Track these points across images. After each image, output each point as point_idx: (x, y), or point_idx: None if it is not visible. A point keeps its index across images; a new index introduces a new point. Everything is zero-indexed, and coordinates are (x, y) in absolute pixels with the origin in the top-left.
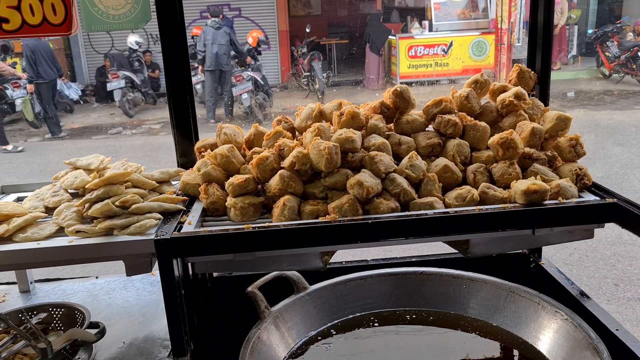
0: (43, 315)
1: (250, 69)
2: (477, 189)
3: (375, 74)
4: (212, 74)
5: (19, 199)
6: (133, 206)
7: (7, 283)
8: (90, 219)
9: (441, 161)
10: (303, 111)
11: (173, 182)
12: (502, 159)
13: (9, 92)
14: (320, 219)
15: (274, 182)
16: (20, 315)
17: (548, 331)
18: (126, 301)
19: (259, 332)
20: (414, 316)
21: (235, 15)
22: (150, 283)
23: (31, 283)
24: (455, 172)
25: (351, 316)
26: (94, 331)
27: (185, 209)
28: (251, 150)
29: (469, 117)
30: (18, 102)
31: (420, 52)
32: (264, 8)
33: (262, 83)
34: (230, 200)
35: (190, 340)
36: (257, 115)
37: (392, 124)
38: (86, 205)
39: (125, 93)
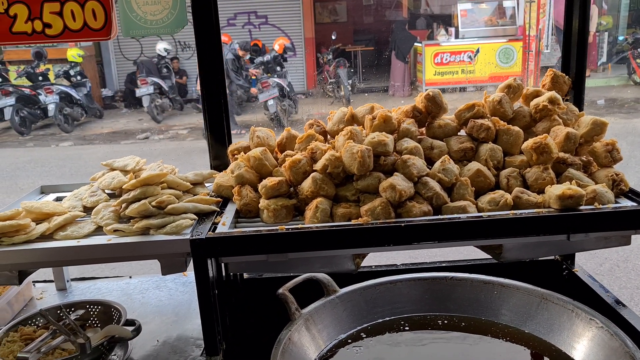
0: (81, 312)
1: (276, 76)
2: (510, 193)
3: (400, 81)
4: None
5: (58, 199)
6: (169, 206)
7: (45, 281)
8: (127, 218)
9: (474, 165)
10: (335, 115)
11: (206, 184)
12: (536, 163)
13: (41, 97)
14: (353, 222)
15: (307, 185)
16: (58, 312)
17: (582, 339)
18: (159, 301)
19: (290, 334)
20: (445, 321)
21: (262, 22)
22: (182, 283)
23: (67, 281)
24: (488, 177)
25: (381, 320)
26: (130, 328)
27: (219, 210)
28: (284, 153)
29: (502, 122)
30: (51, 107)
31: (446, 59)
32: (290, 15)
33: (288, 90)
34: (263, 202)
35: (223, 340)
36: (282, 121)
37: (423, 128)
38: (123, 205)
39: (154, 99)
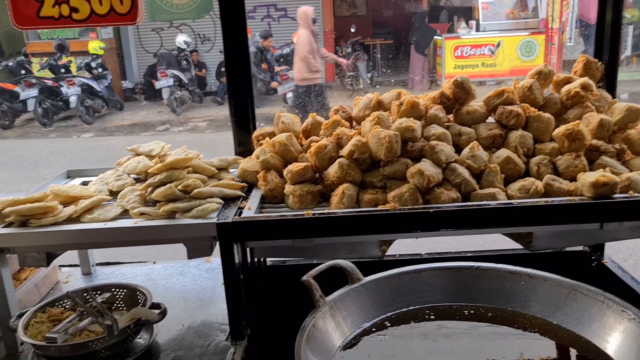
0: (107, 295)
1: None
2: (540, 181)
3: (419, 75)
4: None
5: (84, 183)
6: (195, 190)
7: (70, 265)
8: (152, 202)
9: (503, 152)
10: (361, 101)
11: (231, 170)
12: (567, 151)
13: (63, 89)
14: (380, 207)
15: (333, 170)
16: (85, 294)
17: (614, 332)
18: (183, 286)
19: (315, 321)
20: (471, 311)
21: (281, 15)
22: (205, 270)
23: (92, 266)
24: (518, 164)
25: (405, 309)
26: (156, 311)
27: (244, 195)
28: (309, 139)
29: (532, 108)
30: (72, 98)
31: (466, 53)
32: None
33: None
34: (288, 188)
35: (247, 325)
36: (300, 114)
37: (451, 115)
38: (149, 189)
39: (173, 91)
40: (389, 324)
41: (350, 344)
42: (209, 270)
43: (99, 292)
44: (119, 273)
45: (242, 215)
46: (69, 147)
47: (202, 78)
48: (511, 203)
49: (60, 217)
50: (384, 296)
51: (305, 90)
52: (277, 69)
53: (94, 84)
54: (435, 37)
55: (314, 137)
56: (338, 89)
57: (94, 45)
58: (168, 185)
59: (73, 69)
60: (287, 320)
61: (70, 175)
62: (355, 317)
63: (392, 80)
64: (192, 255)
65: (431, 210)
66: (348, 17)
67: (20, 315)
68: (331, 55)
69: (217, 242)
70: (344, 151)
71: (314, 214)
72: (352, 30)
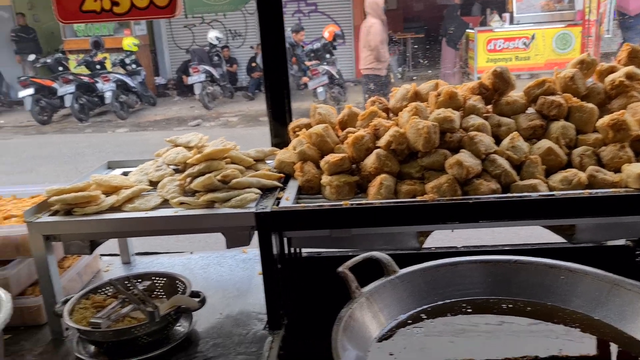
0: (147, 283)
1: (325, 63)
2: (583, 172)
3: (451, 69)
4: None
5: (125, 174)
6: (233, 181)
7: (111, 254)
8: (191, 192)
9: (544, 143)
10: (398, 92)
11: (267, 161)
12: (612, 141)
13: (99, 85)
14: (418, 198)
15: (370, 161)
16: (126, 282)
17: None
18: (220, 276)
19: (351, 312)
20: (509, 305)
21: (312, 10)
22: (242, 260)
23: (132, 255)
24: (560, 155)
25: (441, 302)
26: (195, 299)
27: (281, 185)
28: (345, 130)
29: (574, 99)
30: (107, 94)
31: (499, 46)
32: (339, 3)
33: (337, 77)
34: (325, 179)
35: (285, 315)
36: (291, 109)
37: (490, 106)
38: (188, 179)
39: (205, 87)
40: (425, 317)
41: (386, 336)
42: (245, 260)
43: (139, 280)
44: (157, 262)
45: (280, 206)
46: (105, 141)
47: (233, 73)
48: (553, 195)
49: (103, 206)
50: (419, 288)
51: (371, 79)
52: (307, 63)
53: (128, 80)
54: (468, 30)
55: (350, 129)
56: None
57: (128, 42)
58: (207, 176)
59: (108, 65)
60: (322, 310)
61: (111, 166)
62: (391, 308)
63: (425, 74)
64: (230, 244)
65: (471, 201)
66: None
67: (65, 302)
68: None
69: (255, 232)
70: (382, 142)
71: (351, 205)
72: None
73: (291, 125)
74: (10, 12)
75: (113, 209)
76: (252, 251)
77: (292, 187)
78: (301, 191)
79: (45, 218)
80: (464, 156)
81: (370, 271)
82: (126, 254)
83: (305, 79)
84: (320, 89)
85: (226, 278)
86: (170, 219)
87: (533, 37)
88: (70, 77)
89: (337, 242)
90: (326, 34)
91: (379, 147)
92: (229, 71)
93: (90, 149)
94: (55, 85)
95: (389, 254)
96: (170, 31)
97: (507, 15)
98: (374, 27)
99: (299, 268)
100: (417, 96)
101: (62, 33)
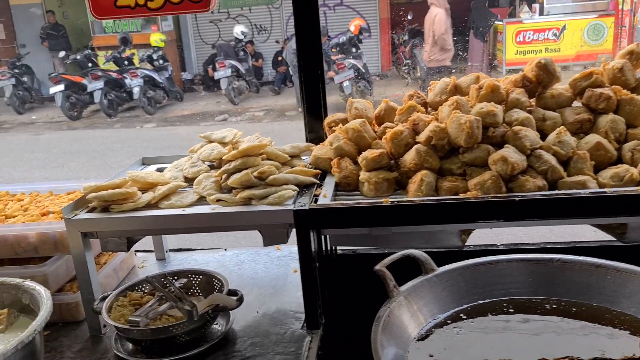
0: (183, 280)
1: (351, 57)
2: (635, 168)
3: (479, 61)
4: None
5: (159, 170)
6: (270, 177)
7: (145, 251)
8: (228, 188)
9: (593, 138)
10: (436, 85)
11: (302, 157)
12: None
13: (127, 81)
14: (461, 195)
15: (410, 157)
16: (163, 279)
17: None
18: (255, 273)
19: (389, 311)
20: (553, 306)
21: (337, 4)
22: (276, 257)
23: (166, 252)
24: (609, 150)
25: (481, 302)
26: (233, 298)
27: (318, 182)
28: (383, 125)
29: (624, 91)
30: (135, 90)
31: (529, 38)
32: None
33: (364, 71)
34: (363, 175)
35: (322, 314)
36: (327, 103)
37: (533, 99)
38: (223, 175)
39: (231, 81)
40: (464, 317)
41: (425, 335)
42: (280, 257)
43: (176, 277)
44: (191, 259)
45: (318, 203)
46: (133, 136)
47: (258, 68)
48: (605, 192)
49: (139, 203)
50: (458, 287)
51: (434, 72)
52: (333, 57)
53: (155, 76)
54: (496, 22)
55: (388, 123)
56: (394, 77)
57: (156, 38)
58: (244, 172)
59: (136, 61)
60: (359, 309)
61: (145, 162)
62: (429, 308)
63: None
64: (267, 242)
65: (517, 199)
66: (404, 4)
67: (103, 299)
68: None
69: (292, 230)
70: (421, 137)
71: (392, 202)
72: (410, 17)
73: (327, 121)
74: (41, 9)
75: (149, 205)
76: (287, 248)
77: (329, 184)
78: (338, 188)
79: (83, 215)
80: (509, 152)
81: (406, 269)
82: (161, 250)
83: (331, 73)
84: (346, 83)
85: (261, 275)
86: (207, 216)
87: (564, 28)
88: (99, 73)
89: (376, 241)
90: (352, 28)
91: (418, 143)
92: (255, 66)
93: (119, 144)
94: (84, 81)
95: (426, 252)
96: (196, 26)
97: (536, 6)
98: (438, 17)
99: (334, 266)
100: (456, 90)
101: (91, 30)
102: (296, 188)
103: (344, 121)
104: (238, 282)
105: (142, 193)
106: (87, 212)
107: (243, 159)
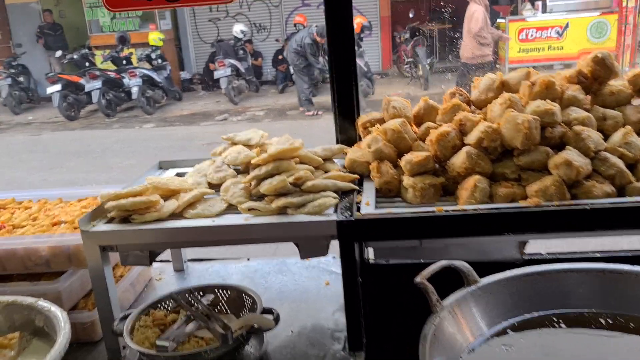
0: (211, 296)
1: None
2: None
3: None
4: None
5: (179, 175)
6: (308, 184)
7: (162, 261)
8: (258, 196)
9: None
10: (481, 82)
11: (335, 160)
12: None
13: (125, 80)
14: (521, 203)
15: (459, 161)
16: (188, 296)
17: None
18: (284, 285)
19: (435, 328)
20: (608, 320)
21: None
22: (305, 268)
23: (185, 262)
24: None
25: (529, 316)
26: (269, 317)
27: (357, 188)
28: (423, 126)
29: None
30: (134, 90)
31: (531, 35)
32: None
33: (365, 69)
34: (408, 180)
35: (365, 333)
36: (360, 102)
37: (588, 96)
38: (253, 182)
39: (231, 81)
40: (512, 332)
41: (473, 352)
42: (309, 268)
43: (202, 293)
44: (212, 270)
45: (362, 212)
46: (133, 137)
47: (258, 67)
48: None
49: (163, 213)
50: (504, 300)
51: (474, 69)
52: None
53: (154, 75)
54: (499, 20)
55: (429, 124)
56: (394, 76)
57: (154, 37)
58: (281, 178)
59: (134, 60)
60: (399, 324)
61: (163, 166)
62: (475, 323)
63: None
64: (305, 255)
65: (588, 207)
66: (405, 2)
67: (124, 318)
68: (496, 32)
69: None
70: (471, 138)
71: (446, 211)
72: (411, 15)
73: (361, 121)
74: (38, 7)
75: (174, 215)
76: (315, 258)
77: (369, 190)
78: (378, 193)
79: (102, 226)
80: (572, 154)
81: (446, 279)
82: (179, 260)
83: None
84: None
85: (291, 288)
86: (240, 227)
87: (567, 26)
88: (97, 72)
89: (427, 253)
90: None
91: (467, 145)
92: (254, 65)
93: (118, 144)
94: (82, 81)
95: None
96: (194, 25)
97: (539, 4)
98: (477, 13)
99: (369, 277)
100: (503, 86)
101: (88, 29)
102: (336, 195)
103: (380, 121)
104: (267, 296)
105: (165, 201)
106: (105, 223)
107: (275, 164)
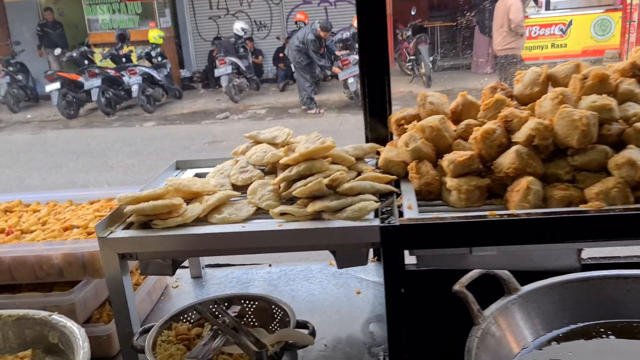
0: (237, 307)
1: (355, 53)
2: None
3: (485, 57)
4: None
5: (198, 175)
6: (345, 185)
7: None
8: (288, 198)
9: None
10: (525, 76)
11: (366, 159)
12: None
13: (125, 78)
14: (582, 207)
15: (507, 161)
16: (213, 307)
17: None
18: (311, 294)
19: (478, 341)
20: None
21: None
22: (332, 274)
23: (202, 268)
24: None
25: (573, 326)
26: (304, 331)
27: (397, 191)
28: (464, 123)
29: None
30: (134, 88)
31: (535, 33)
32: None
33: None
34: (451, 182)
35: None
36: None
37: None
38: (282, 183)
39: (232, 79)
40: (557, 343)
41: None
42: (336, 275)
43: (227, 304)
44: (232, 277)
45: (405, 216)
46: (133, 135)
47: (258, 65)
48: None
49: (188, 218)
50: (546, 310)
51: (508, 60)
52: (338, 53)
53: (154, 73)
54: None
55: (470, 121)
56: (396, 74)
57: (154, 34)
58: (316, 179)
59: (134, 58)
60: (439, 335)
61: (180, 166)
62: (518, 334)
63: (453, 64)
64: (342, 264)
65: None
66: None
67: (144, 332)
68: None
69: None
70: (521, 136)
71: (501, 216)
72: (413, 12)
73: (395, 117)
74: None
75: (197, 220)
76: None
77: (408, 192)
78: (417, 196)
79: (121, 233)
80: (635, 154)
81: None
82: (196, 266)
83: (335, 69)
84: (351, 80)
85: (319, 297)
86: (274, 234)
87: (570, 24)
88: (96, 70)
89: (475, 261)
90: (355, 23)
91: (516, 143)
92: (255, 63)
93: (119, 143)
94: (81, 79)
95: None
96: (194, 23)
97: (543, 1)
98: (514, 5)
99: (407, 285)
100: (550, 80)
101: (87, 26)
102: (376, 199)
103: (415, 118)
104: (295, 306)
105: (187, 204)
106: (124, 229)
107: (307, 164)
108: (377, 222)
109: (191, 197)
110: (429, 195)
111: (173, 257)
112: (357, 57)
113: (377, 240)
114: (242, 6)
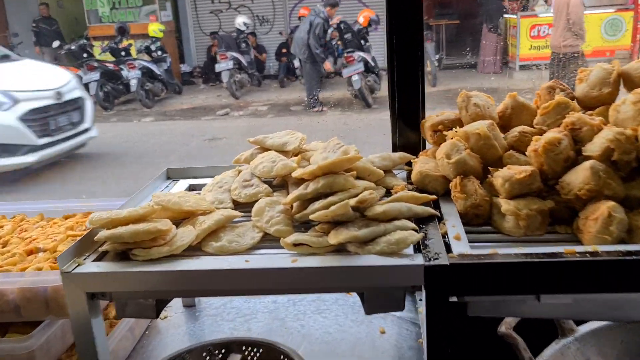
0: (237, 357)
1: (361, 50)
2: None
3: (492, 56)
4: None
5: (192, 188)
6: (377, 209)
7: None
8: (301, 221)
9: None
10: (591, 74)
11: (394, 172)
12: None
13: (124, 72)
14: None
15: (579, 180)
16: (206, 355)
17: None
18: (326, 333)
19: None
20: None
21: None
22: (350, 307)
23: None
24: None
25: None
26: None
27: (439, 214)
28: (515, 130)
29: None
30: (133, 82)
31: (544, 32)
32: None
33: (373, 65)
34: (507, 205)
35: None
36: (366, 98)
37: None
38: (296, 203)
39: (233, 74)
40: None
41: None
42: (354, 307)
43: (222, 350)
44: (231, 308)
45: (455, 252)
46: (131, 131)
47: (260, 61)
48: None
49: (177, 248)
50: (604, 354)
51: (567, 58)
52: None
53: (153, 67)
54: (510, 15)
55: (525, 127)
56: None
57: (154, 28)
58: (343, 201)
59: (133, 52)
60: None
61: (172, 175)
62: None
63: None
64: (372, 309)
65: None
66: None
67: None
68: None
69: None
70: (595, 149)
71: (581, 255)
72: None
73: (430, 122)
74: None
75: (189, 248)
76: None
77: (451, 215)
78: (461, 219)
79: (91, 266)
80: None
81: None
82: None
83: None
84: (355, 77)
85: (336, 337)
86: (287, 273)
87: None
88: (95, 64)
89: (544, 311)
90: (361, 19)
91: (587, 157)
92: (257, 59)
93: (117, 139)
94: (79, 72)
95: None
96: (196, 17)
97: (553, 0)
98: (574, 1)
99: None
100: (623, 79)
101: (87, 19)
102: (415, 226)
103: (456, 123)
104: (306, 348)
105: (177, 227)
106: (95, 260)
107: (327, 179)
108: (420, 260)
109: (182, 217)
110: (475, 219)
111: (157, 297)
112: (362, 54)
113: (419, 283)
114: (245, 1)
